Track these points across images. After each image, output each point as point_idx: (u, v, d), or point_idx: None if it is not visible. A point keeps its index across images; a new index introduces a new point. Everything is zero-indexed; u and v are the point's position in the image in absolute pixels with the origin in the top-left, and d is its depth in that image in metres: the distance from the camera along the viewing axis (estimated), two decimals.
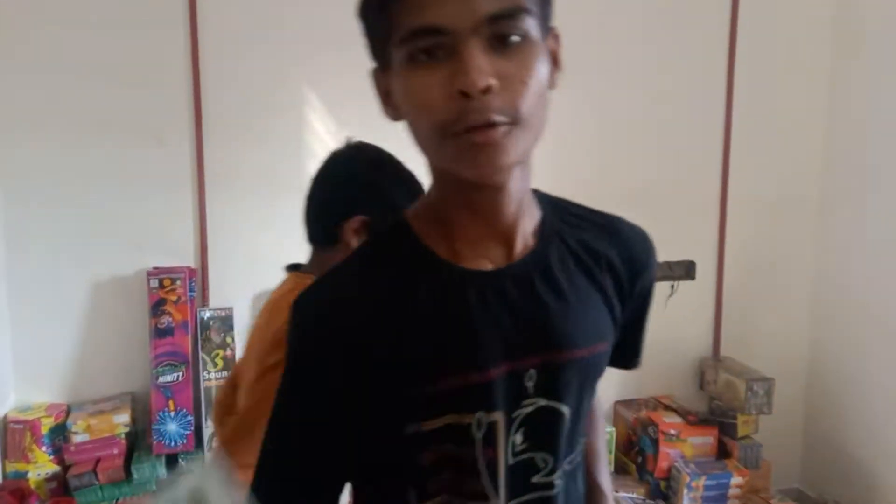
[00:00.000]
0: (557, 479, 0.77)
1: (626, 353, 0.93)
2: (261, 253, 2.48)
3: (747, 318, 2.95)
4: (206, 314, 2.36)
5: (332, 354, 0.74)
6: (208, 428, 2.31)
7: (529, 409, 0.75)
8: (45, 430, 2.20)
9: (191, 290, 2.34)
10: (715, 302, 2.93)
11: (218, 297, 2.44)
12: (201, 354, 2.34)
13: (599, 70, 2.67)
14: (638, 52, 2.72)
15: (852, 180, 2.80)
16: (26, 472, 2.18)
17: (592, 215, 0.85)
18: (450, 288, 0.74)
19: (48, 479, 2.20)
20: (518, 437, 0.75)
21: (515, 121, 0.67)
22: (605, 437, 0.98)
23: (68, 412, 2.29)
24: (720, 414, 2.79)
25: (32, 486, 2.18)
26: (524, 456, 0.75)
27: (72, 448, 2.20)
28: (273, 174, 2.45)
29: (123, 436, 2.25)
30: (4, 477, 2.19)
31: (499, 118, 0.65)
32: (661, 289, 2.86)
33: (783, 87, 2.88)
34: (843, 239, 2.85)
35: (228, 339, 2.37)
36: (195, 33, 2.32)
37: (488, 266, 0.76)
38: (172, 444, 2.25)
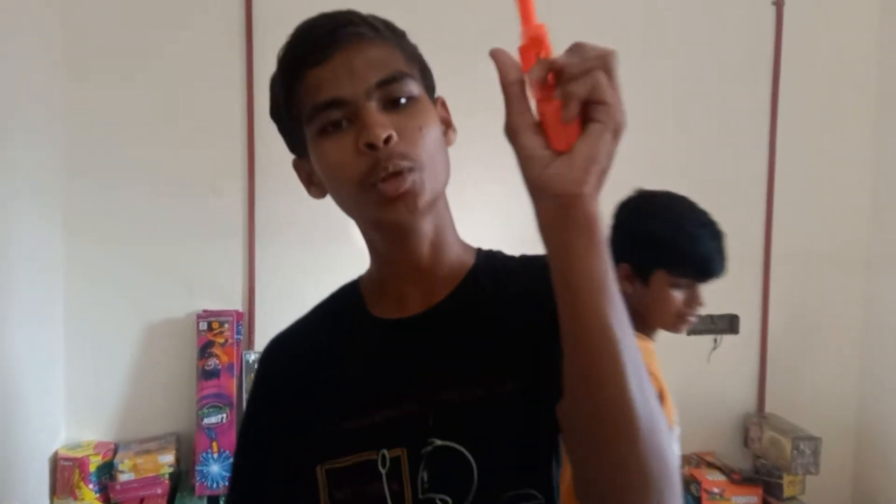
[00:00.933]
0: None
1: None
2: (305, 298, 2.49)
3: (793, 374, 2.89)
4: (252, 357, 2.41)
5: (267, 386, 0.90)
6: None
7: (429, 448, 0.77)
8: (92, 467, 2.25)
9: (237, 333, 2.40)
10: (759, 357, 2.88)
11: (263, 341, 2.46)
12: (245, 397, 2.38)
13: (634, 121, 2.70)
14: (681, 103, 2.75)
15: None
16: None
17: (518, 261, 0.88)
18: (365, 337, 0.84)
19: None
20: (425, 475, 0.77)
21: (418, 165, 0.75)
22: None
23: (115, 451, 2.34)
24: (765, 473, 2.72)
25: None
26: (431, 494, 0.76)
27: (117, 486, 2.24)
28: (319, 224, 2.52)
29: (167, 476, 2.29)
30: None
31: (404, 164, 0.74)
32: (704, 342, 2.83)
33: (827, 138, 2.87)
34: (891, 294, 2.79)
35: None
36: (251, 92, 2.44)
37: (406, 313, 0.83)
38: (214, 485, 2.28)
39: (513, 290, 0.83)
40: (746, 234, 2.86)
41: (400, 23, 0.85)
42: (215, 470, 2.29)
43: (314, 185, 0.87)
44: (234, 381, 2.36)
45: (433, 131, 0.78)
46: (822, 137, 2.87)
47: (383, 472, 0.77)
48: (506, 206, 2.57)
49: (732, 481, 2.62)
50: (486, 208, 2.52)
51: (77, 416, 2.38)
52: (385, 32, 0.79)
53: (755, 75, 2.82)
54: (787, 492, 2.65)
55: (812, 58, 2.84)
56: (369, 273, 0.90)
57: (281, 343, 0.93)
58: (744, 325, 2.86)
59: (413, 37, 0.86)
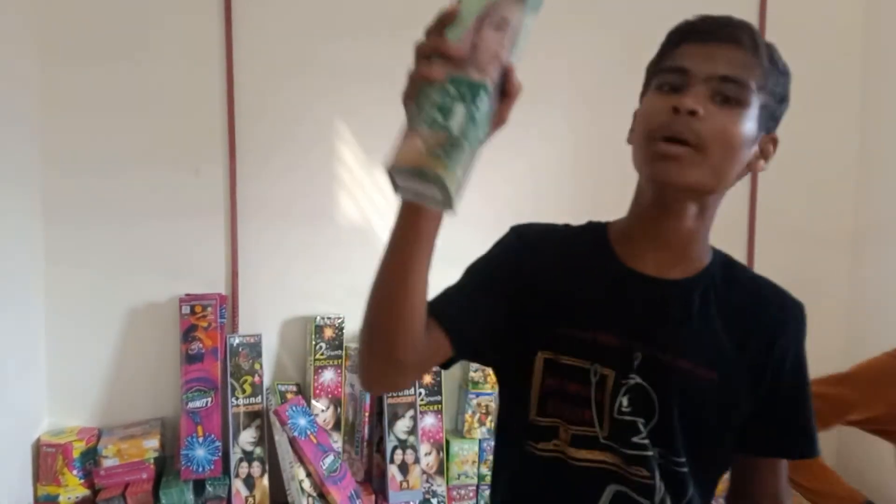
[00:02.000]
0: (650, 448, 0.90)
1: (791, 434, 0.98)
2: (290, 281, 2.52)
3: None
4: (236, 340, 2.40)
5: (521, 259, 0.97)
6: (235, 454, 2.33)
7: (632, 382, 0.90)
8: (76, 453, 2.23)
9: (221, 317, 2.38)
10: None
11: (247, 324, 2.48)
12: (230, 380, 2.36)
13: (625, 106, 2.68)
14: None
15: (887, 211, 2.77)
16: (57, 496, 2.21)
17: (755, 279, 1.00)
18: (611, 273, 0.95)
19: (78, 503, 2.23)
20: (625, 400, 0.90)
21: (699, 148, 0.84)
22: None
23: (99, 436, 2.32)
24: None
25: None
26: (627, 417, 0.90)
27: (102, 472, 2.23)
28: (303, 205, 2.50)
29: (152, 461, 2.28)
30: (36, 500, 2.23)
31: (689, 137, 0.84)
32: None
33: (814, 115, 2.86)
34: (875, 271, 2.81)
35: (257, 366, 2.40)
36: (231, 69, 2.40)
37: (647, 271, 0.94)
38: (200, 469, 2.27)
39: (756, 313, 0.95)
40: (731, 211, 2.85)
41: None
42: (201, 454, 2.28)
43: (631, 129, 0.98)
44: (219, 364, 2.35)
45: (739, 134, 0.86)
46: (807, 114, 2.86)
47: (593, 381, 0.91)
48: (488, 191, 2.57)
49: None
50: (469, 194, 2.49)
51: (59, 403, 2.36)
52: (761, 52, 0.91)
53: None
54: None
55: (797, 34, 2.82)
56: (621, 228, 0.99)
57: (534, 233, 1.01)
58: None
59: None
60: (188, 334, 2.33)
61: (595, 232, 1.00)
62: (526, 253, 0.98)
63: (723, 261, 0.99)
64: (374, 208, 2.56)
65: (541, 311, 0.94)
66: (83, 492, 2.24)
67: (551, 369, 0.93)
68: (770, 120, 0.93)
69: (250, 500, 2.31)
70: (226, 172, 2.43)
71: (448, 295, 0.96)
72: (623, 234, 0.98)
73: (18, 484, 2.16)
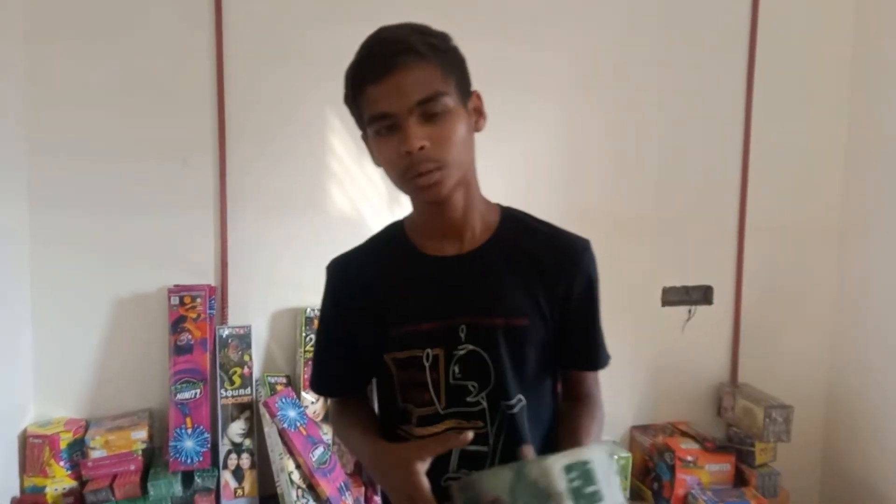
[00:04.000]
0: (483, 403, 1.08)
1: (583, 353, 1.17)
2: (280, 272, 2.50)
3: (765, 344, 2.93)
4: (225, 332, 2.38)
5: (337, 297, 1.17)
6: (224, 445, 2.32)
7: (462, 351, 1.07)
8: (63, 445, 2.22)
9: (210, 308, 2.37)
10: (733, 327, 2.91)
11: (237, 315, 2.46)
12: (219, 372, 2.35)
13: (616, 96, 2.70)
14: (654, 78, 2.74)
15: (874, 206, 2.79)
16: (44, 487, 2.20)
17: (543, 227, 1.15)
18: (417, 268, 1.11)
19: (65, 494, 2.21)
20: (456, 369, 1.07)
21: (443, 165, 1.01)
22: (595, 420, 1.16)
23: (86, 428, 2.31)
24: (738, 441, 2.77)
25: (49, 500, 2.19)
26: (460, 382, 1.07)
27: (89, 463, 2.21)
28: (293, 195, 2.48)
29: (140, 452, 2.26)
30: (22, 491, 2.21)
31: (432, 165, 1.00)
32: (678, 313, 2.85)
33: (802, 112, 2.88)
34: (863, 265, 2.83)
35: (246, 357, 2.38)
36: (220, 57, 2.37)
37: (447, 254, 1.10)
38: (189, 461, 2.26)
39: (546, 257, 1.11)
40: (721, 206, 2.88)
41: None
42: (189, 445, 2.27)
43: (374, 157, 1.11)
44: (208, 356, 2.33)
45: (460, 134, 1.02)
46: (796, 110, 2.88)
47: (426, 364, 1.07)
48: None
49: (706, 449, 2.66)
50: None
51: (46, 394, 2.34)
52: (430, 54, 1.00)
53: (731, 49, 2.81)
54: (758, 459, 2.69)
55: (787, 30, 2.83)
56: (413, 222, 1.16)
57: (343, 265, 1.19)
58: (718, 296, 2.88)
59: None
60: (177, 325, 2.31)
61: (395, 231, 1.18)
62: (339, 288, 1.18)
63: (511, 218, 1.15)
64: (365, 199, 2.55)
65: (372, 323, 1.11)
66: (70, 483, 2.22)
67: (398, 365, 1.10)
68: (465, 91, 1.07)
69: (239, 491, 2.31)
70: (215, 162, 2.41)
71: (313, 369, 1.25)
72: (416, 228, 1.15)
73: (4, 475, 2.14)
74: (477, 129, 1.09)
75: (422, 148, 0.98)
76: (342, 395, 1.23)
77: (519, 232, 1.13)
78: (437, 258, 1.11)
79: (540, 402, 1.14)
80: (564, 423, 1.14)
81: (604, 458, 0.90)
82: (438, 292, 1.09)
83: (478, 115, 1.09)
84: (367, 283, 1.14)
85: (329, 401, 1.26)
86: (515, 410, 1.08)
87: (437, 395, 1.07)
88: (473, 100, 1.08)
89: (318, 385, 1.24)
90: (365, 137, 1.11)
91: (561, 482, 0.84)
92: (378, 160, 1.08)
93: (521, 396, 1.09)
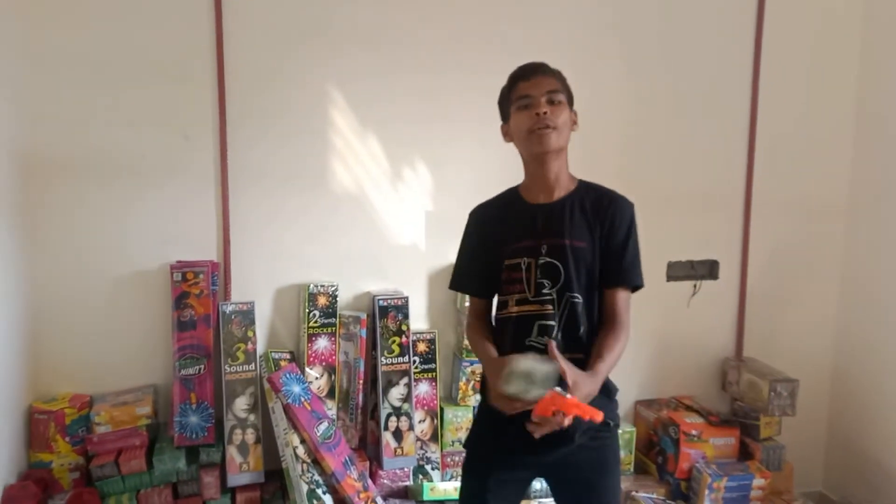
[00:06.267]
0: (554, 295, 1.60)
1: (615, 272, 1.62)
2: (282, 248, 2.49)
3: (771, 319, 2.92)
4: (228, 308, 2.38)
5: (479, 227, 1.73)
6: (229, 421, 2.33)
7: (543, 261, 1.61)
8: (68, 420, 2.22)
9: (213, 284, 2.36)
10: (738, 302, 2.89)
11: (240, 292, 2.45)
12: (223, 348, 2.35)
13: (622, 71, 2.67)
14: (661, 53, 2.70)
15: (881, 182, 2.75)
16: (50, 462, 2.21)
17: (604, 189, 1.68)
18: (522, 209, 1.67)
19: (71, 469, 2.23)
20: (539, 272, 1.61)
21: (554, 128, 1.58)
22: (619, 341, 1.59)
23: (91, 403, 2.31)
24: (742, 415, 2.76)
25: (56, 475, 2.21)
26: (540, 280, 1.61)
27: (94, 439, 2.22)
28: (296, 171, 2.46)
29: (145, 427, 2.27)
30: (29, 466, 2.22)
31: (549, 123, 1.57)
32: (684, 288, 2.83)
33: (810, 87, 2.84)
34: (870, 240, 2.81)
35: (250, 333, 2.38)
36: (220, 29, 2.34)
37: (539, 201, 1.65)
38: (193, 436, 2.27)
39: (598, 206, 1.63)
40: (727, 180, 2.85)
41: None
42: (194, 421, 2.27)
43: (507, 135, 1.68)
44: (211, 332, 2.33)
45: (565, 117, 1.60)
46: (804, 85, 2.84)
47: (523, 268, 1.62)
48: (477, 157, 2.54)
49: (710, 423, 2.66)
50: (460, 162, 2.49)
51: (50, 370, 2.34)
52: (556, 73, 1.65)
53: (739, 25, 2.77)
54: (763, 433, 2.69)
55: (796, 6, 2.78)
56: (523, 183, 1.70)
57: (480, 210, 1.75)
58: (723, 270, 2.86)
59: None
60: (180, 301, 2.31)
61: (512, 191, 1.73)
62: (478, 222, 1.75)
63: (584, 185, 1.68)
64: (368, 175, 2.53)
65: (497, 242, 1.67)
66: (76, 458, 2.24)
67: (507, 269, 1.64)
68: (570, 104, 1.65)
69: (244, 466, 2.32)
70: (216, 137, 2.38)
71: (454, 272, 1.80)
72: (525, 187, 1.70)
73: (11, 451, 2.15)
74: (573, 129, 1.65)
75: (545, 113, 1.56)
76: (473, 292, 1.77)
77: (587, 192, 1.66)
78: (534, 204, 1.65)
79: (589, 305, 1.62)
80: (595, 343, 1.59)
81: (526, 362, 1.44)
82: (534, 223, 1.63)
83: (573, 122, 1.66)
84: (493, 219, 1.70)
85: (466, 317, 1.88)
86: (577, 301, 1.60)
87: (529, 287, 1.61)
88: (574, 114, 1.67)
89: (459, 285, 1.80)
90: (504, 125, 1.68)
91: (518, 385, 1.43)
92: (513, 128, 1.63)
93: (577, 294, 1.59)
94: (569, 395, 1.37)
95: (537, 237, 1.62)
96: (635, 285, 1.65)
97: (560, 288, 1.60)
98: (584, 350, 1.59)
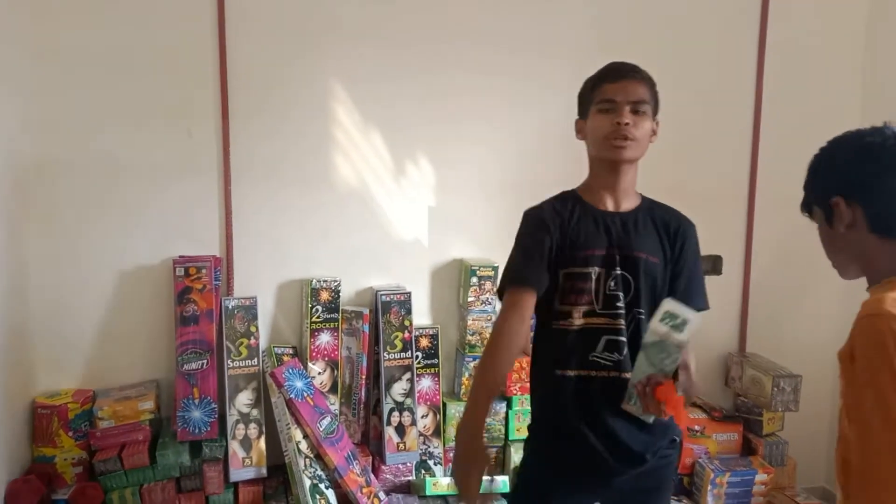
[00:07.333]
0: (624, 309, 1.49)
1: (692, 292, 1.54)
2: (285, 243, 2.49)
3: (774, 315, 2.91)
4: (231, 303, 2.38)
5: (543, 225, 1.54)
6: (231, 416, 2.33)
7: (617, 272, 1.50)
8: (71, 415, 2.23)
9: (216, 279, 2.36)
10: (741, 297, 2.89)
11: (242, 286, 2.45)
12: (226, 343, 2.35)
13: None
14: (665, 46, 2.69)
15: None
16: (53, 457, 2.22)
17: (668, 208, 1.62)
18: (589, 214, 1.54)
19: (74, 464, 2.23)
20: (611, 283, 1.50)
21: (634, 141, 1.49)
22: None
23: (94, 398, 2.32)
24: (745, 410, 2.76)
25: (59, 470, 2.22)
26: (613, 292, 1.50)
27: (97, 434, 2.23)
28: (298, 166, 2.46)
29: (148, 422, 2.27)
30: (33, 461, 2.23)
31: (628, 136, 1.48)
32: None
33: (814, 82, 2.83)
34: None
35: (252, 328, 2.38)
36: (223, 25, 2.34)
37: (608, 209, 1.55)
38: (196, 431, 2.27)
39: (668, 224, 1.57)
40: (731, 176, 2.84)
41: None
42: (197, 416, 2.27)
43: (580, 133, 1.59)
44: (214, 327, 2.33)
45: (646, 130, 1.53)
46: (808, 82, 2.83)
47: (593, 277, 1.50)
48: (479, 155, 2.53)
49: (713, 419, 2.66)
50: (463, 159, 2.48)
51: (53, 365, 2.34)
52: (648, 81, 1.54)
53: (743, 21, 2.75)
54: (766, 428, 2.69)
55: (801, 3, 2.77)
56: (586, 186, 1.59)
57: (539, 210, 1.58)
58: (727, 265, 2.85)
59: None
60: (183, 296, 2.31)
61: (569, 194, 1.61)
62: (545, 221, 1.55)
63: (649, 200, 1.61)
64: (371, 170, 2.53)
65: (559, 248, 1.52)
66: (79, 453, 2.24)
67: (568, 277, 1.51)
68: (656, 111, 1.56)
69: (247, 461, 2.32)
70: (218, 133, 2.38)
71: (517, 268, 1.55)
72: (589, 191, 1.59)
73: (16, 445, 2.16)
74: (651, 140, 1.56)
75: (627, 124, 1.47)
76: (537, 286, 1.51)
77: (654, 208, 1.60)
78: (603, 211, 1.55)
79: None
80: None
81: (672, 302, 1.37)
82: (605, 231, 1.52)
83: (654, 132, 1.57)
84: (560, 221, 1.54)
85: (501, 314, 1.52)
86: (642, 317, 1.50)
87: (597, 299, 1.50)
88: (656, 123, 1.57)
89: (519, 279, 1.53)
90: (580, 121, 1.59)
91: (662, 327, 1.35)
92: (589, 128, 1.54)
93: (643, 310, 1.50)
94: (680, 392, 1.34)
95: (612, 247, 1.51)
96: (704, 308, 1.56)
97: (629, 302, 1.50)
98: None
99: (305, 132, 2.46)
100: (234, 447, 2.32)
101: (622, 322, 1.49)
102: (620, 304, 1.49)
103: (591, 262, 1.50)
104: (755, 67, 2.77)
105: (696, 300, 1.54)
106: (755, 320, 2.89)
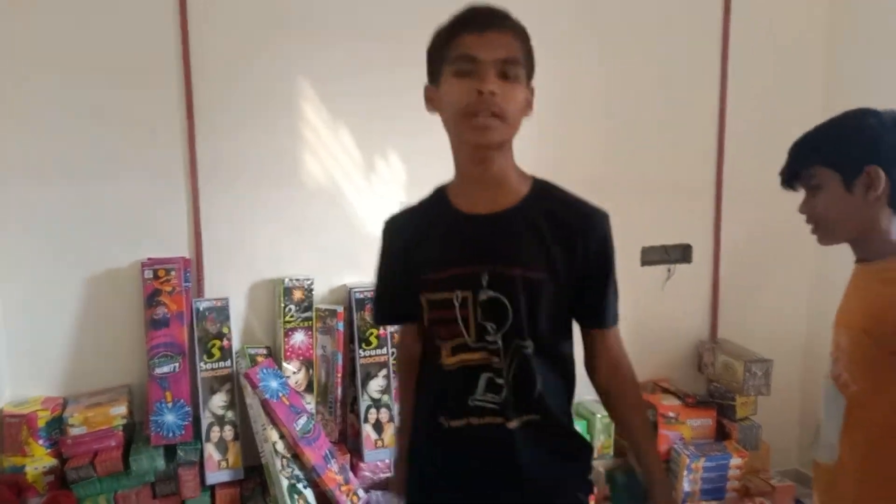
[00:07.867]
0: (499, 342, 1.22)
1: (593, 312, 1.29)
2: (256, 242, 2.46)
3: (744, 301, 2.95)
4: (202, 304, 2.35)
5: (391, 247, 1.35)
6: (206, 418, 2.30)
7: (484, 296, 1.20)
8: (41, 423, 2.18)
9: (186, 281, 2.33)
10: (712, 285, 2.93)
11: (213, 288, 2.42)
12: (198, 345, 2.32)
13: (594, 58, 2.67)
14: (632, 40, 2.71)
15: None
16: (23, 466, 2.17)
17: (568, 198, 1.27)
18: (452, 223, 1.25)
19: (46, 473, 2.19)
20: (479, 311, 1.21)
21: (502, 117, 1.14)
22: (640, 399, 1.43)
23: (64, 405, 2.27)
24: (718, 396, 2.80)
25: (30, 479, 2.16)
26: (482, 322, 1.21)
27: (69, 441, 2.19)
28: (266, 164, 2.43)
29: (121, 428, 2.24)
30: (2, 471, 2.18)
31: (494, 110, 1.13)
32: (658, 272, 2.86)
33: (778, 71, 2.87)
34: None
35: (225, 329, 2.35)
36: (185, 22, 2.30)
37: (478, 211, 1.24)
38: (170, 434, 2.24)
39: (564, 222, 1.22)
40: (698, 165, 2.87)
41: None
42: (170, 419, 2.24)
43: (431, 103, 1.26)
44: (185, 329, 2.30)
45: (520, 101, 1.17)
46: (772, 71, 2.87)
47: (457, 304, 1.21)
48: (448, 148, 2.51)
49: (687, 405, 2.69)
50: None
51: (21, 373, 2.29)
52: (520, 30, 1.18)
53: (707, 15, 2.79)
54: (739, 413, 2.73)
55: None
56: (454, 184, 1.29)
57: (394, 222, 1.37)
58: (697, 254, 2.89)
59: None
60: (152, 299, 2.27)
61: (439, 194, 1.31)
62: (392, 241, 1.36)
63: (541, 188, 1.27)
64: (340, 168, 2.51)
65: (414, 268, 1.26)
66: (51, 461, 2.19)
67: (431, 305, 1.25)
68: (530, 76, 1.22)
69: (223, 463, 2.30)
70: (184, 131, 2.34)
71: (375, 301, 1.43)
72: (457, 189, 1.28)
73: None
74: (525, 113, 1.21)
75: (493, 93, 1.12)
76: (404, 320, 1.41)
77: (545, 200, 1.24)
78: (469, 215, 1.24)
79: (554, 353, 1.26)
80: (624, 431, 1.39)
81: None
82: (468, 244, 1.23)
83: (529, 105, 1.23)
84: (409, 236, 1.30)
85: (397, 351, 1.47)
86: (528, 352, 1.22)
87: (467, 330, 1.22)
88: (531, 91, 1.23)
89: (383, 317, 1.49)
90: (430, 87, 1.26)
91: None
92: (443, 99, 1.20)
93: (527, 342, 1.22)
94: None
95: (475, 262, 1.20)
96: (612, 325, 1.32)
97: (507, 332, 1.20)
98: (541, 411, 1.24)
99: (274, 129, 2.43)
100: (210, 450, 2.29)
101: (498, 359, 1.21)
102: (491, 336, 1.21)
103: (450, 285, 1.21)
104: (719, 62, 2.81)
105: (602, 319, 1.29)
106: (726, 307, 2.93)
